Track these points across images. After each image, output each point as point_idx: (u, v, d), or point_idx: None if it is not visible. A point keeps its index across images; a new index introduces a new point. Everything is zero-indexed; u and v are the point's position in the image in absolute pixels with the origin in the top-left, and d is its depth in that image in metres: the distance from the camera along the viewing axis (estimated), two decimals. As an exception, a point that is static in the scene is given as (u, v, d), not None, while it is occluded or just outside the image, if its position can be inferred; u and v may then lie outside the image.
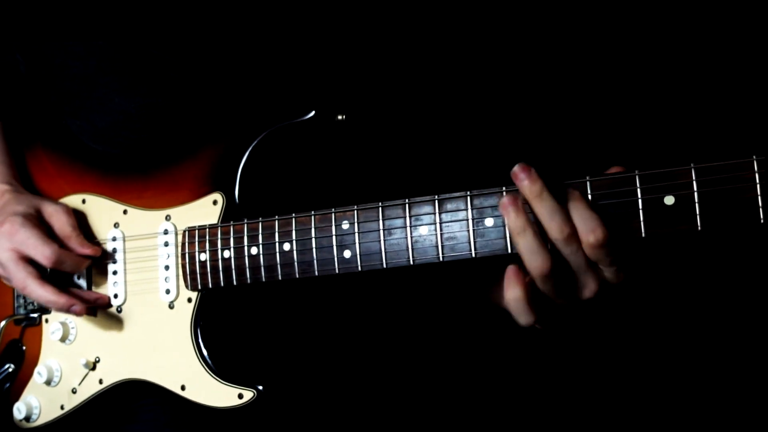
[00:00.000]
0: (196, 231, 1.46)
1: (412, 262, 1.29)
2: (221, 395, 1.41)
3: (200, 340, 1.44)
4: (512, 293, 1.18)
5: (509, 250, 1.22)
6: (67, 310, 1.47)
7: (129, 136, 1.56)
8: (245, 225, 1.41)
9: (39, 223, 1.50)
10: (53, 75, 1.62)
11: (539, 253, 1.15)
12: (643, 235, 1.16)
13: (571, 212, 1.13)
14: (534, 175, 1.14)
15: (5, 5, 1.62)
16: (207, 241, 1.44)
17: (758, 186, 1.09)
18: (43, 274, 1.49)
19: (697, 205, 1.13)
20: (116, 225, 1.55)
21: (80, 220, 1.57)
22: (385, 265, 1.30)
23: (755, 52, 1.40)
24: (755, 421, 1.64)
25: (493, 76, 1.45)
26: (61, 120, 1.65)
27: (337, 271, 1.34)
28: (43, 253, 1.45)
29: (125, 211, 1.54)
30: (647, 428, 1.68)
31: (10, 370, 1.62)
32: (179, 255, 1.47)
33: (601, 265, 1.15)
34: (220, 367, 1.42)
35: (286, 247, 1.37)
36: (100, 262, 1.55)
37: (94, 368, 1.54)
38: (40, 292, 1.46)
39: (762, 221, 1.10)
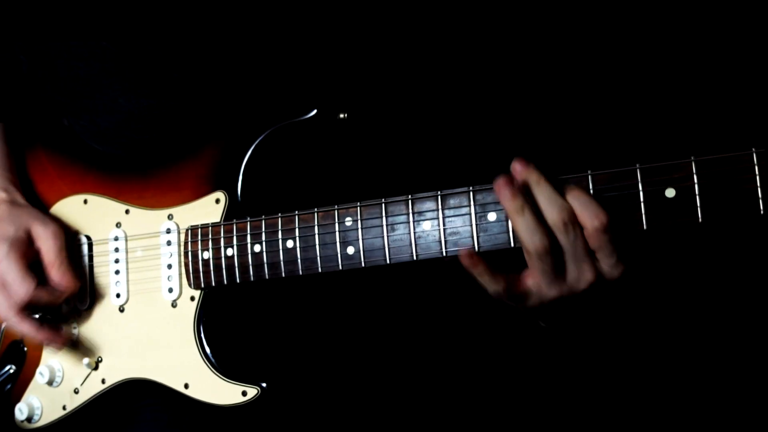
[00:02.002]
0: (199, 229, 1.46)
1: (415, 258, 1.30)
2: (225, 393, 1.41)
3: (203, 338, 1.45)
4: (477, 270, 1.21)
5: (512, 244, 1.23)
6: (47, 344, 1.51)
7: (132, 136, 1.57)
8: (248, 223, 1.42)
9: (26, 250, 1.50)
10: (57, 75, 1.62)
11: (537, 230, 1.16)
12: (645, 227, 1.17)
13: (572, 202, 1.15)
14: (532, 166, 1.17)
15: (7, 6, 1.62)
16: (210, 240, 1.45)
17: (758, 178, 1.11)
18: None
19: (697, 197, 1.14)
20: (118, 225, 1.55)
21: (82, 220, 1.58)
22: (388, 261, 1.31)
23: (754, 47, 1.43)
24: (757, 417, 1.65)
25: (494, 73, 1.46)
26: (62, 120, 1.65)
27: (340, 267, 1.34)
28: (17, 291, 1.47)
29: (127, 211, 1.54)
30: (650, 425, 1.68)
31: (12, 371, 1.61)
32: (182, 253, 1.47)
33: (601, 253, 1.17)
34: (224, 365, 1.43)
35: (290, 244, 1.38)
36: (101, 263, 1.55)
37: (96, 368, 1.54)
38: (19, 327, 1.50)
39: (762, 212, 1.11)
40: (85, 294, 1.56)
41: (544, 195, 1.16)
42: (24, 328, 1.49)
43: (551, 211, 1.15)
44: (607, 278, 1.18)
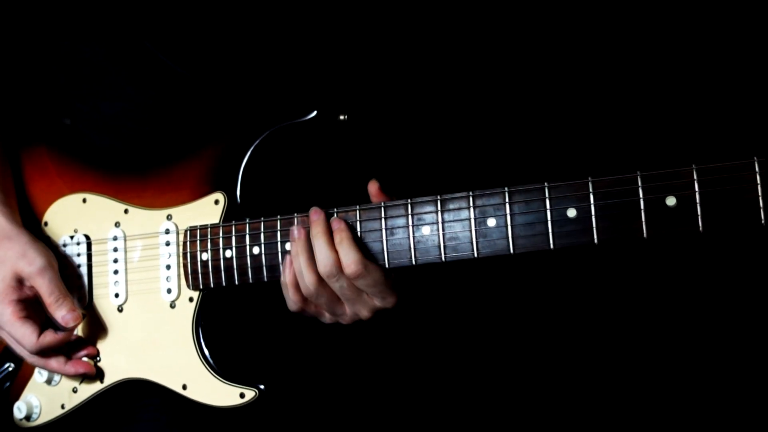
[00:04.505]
0: (198, 230, 1.46)
1: (414, 263, 1.29)
2: (223, 394, 1.41)
3: (201, 340, 1.44)
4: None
5: (512, 251, 1.23)
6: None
7: (133, 126, 1.57)
8: (247, 224, 1.41)
9: (19, 296, 1.47)
10: (62, 55, 1.61)
11: (307, 274, 1.31)
12: (645, 236, 1.16)
13: (337, 246, 1.28)
14: (319, 218, 1.31)
15: (10, 3, 1.62)
16: (209, 241, 1.45)
17: (759, 187, 1.10)
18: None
19: (698, 206, 1.13)
20: (117, 224, 1.55)
21: (80, 219, 1.57)
22: (387, 265, 1.31)
23: (757, 54, 1.41)
24: (755, 422, 1.64)
25: (495, 78, 1.46)
26: (62, 120, 1.65)
27: (339, 270, 1.34)
28: (25, 343, 1.47)
29: (126, 211, 1.54)
30: (647, 428, 1.68)
31: (10, 369, 1.61)
32: (181, 254, 1.47)
33: (368, 294, 1.30)
34: (222, 366, 1.43)
35: (289, 246, 1.38)
36: (100, 262, 1.55)
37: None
38: (46, 368, 1.51)
39: (763, 222, 1.10)
40: (84, 294, 1.56)
41: (318, 245, 1.30)
42: (51, 366, 1.50)
43: (321, 262, 1.29)
44: (384, 308, 1.32)
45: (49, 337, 1.47)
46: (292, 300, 1.36)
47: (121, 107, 1.57)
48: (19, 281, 1.48)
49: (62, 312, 1.47)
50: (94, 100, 1.60)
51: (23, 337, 1.46)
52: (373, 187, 1.32)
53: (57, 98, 1.65)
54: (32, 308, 1.49)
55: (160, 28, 1.51)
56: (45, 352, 1.48)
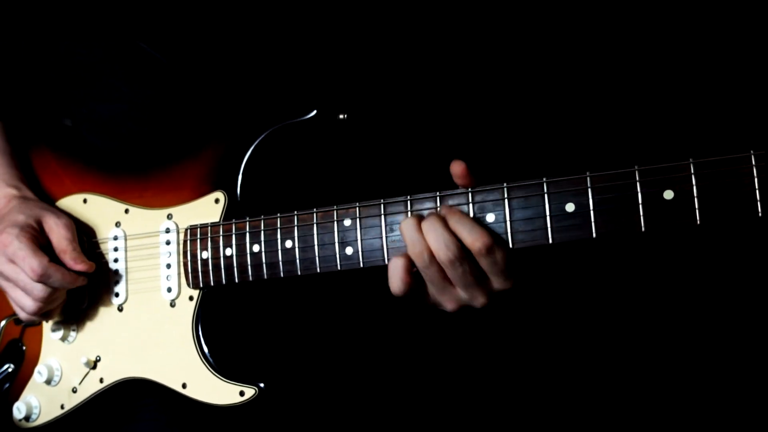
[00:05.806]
0: (198, 229, 1.46)
1: (414, 258, 1.30)
2: (223, 393, 1.41)
3: (202, 338, 1.45)
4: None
5: (511, 246, 1.23)
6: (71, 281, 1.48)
7: (132, 127, 1.57)
8: (247, 223, 1.42)
9: (36, 236, 1.49)
10: (60, 56, 1.62)
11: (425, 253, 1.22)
12: (643, 229, 1.17)
13: (457, 227, 1.20)
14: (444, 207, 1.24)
15: (10, 3, 1.63)
16: (209, 239, 1.45)
17: (756, 180, 1.11)
18: None
19: (696, 199, 1.14)
20: (118, 224, 1.55)
21: (81, 219, 1.58)
22: (387, 262, 1.31)
23: (753, 49, 1.42)
24: (755, 422, 1.64)
25: (494, 74, 1.47)
26: (62, 120, 1.66)
27: (339, 267, 1.34)
28: (30, 265, 1.45)
29: (127, 210, 1.55)
30: (646, 428, 1.68)
31: (10, 370, 1.62)
32: (181, 253, 1.48)
33: (491, 274, 1.22)
34: (222, 364, 1.43)
35: (288, 244, 1.38)
36: (101, 262, 1.56)
37: (94, 367, 1.54)
38: (53, 278, 1.46)
39: (760, 214, 1.11)
40: (84, 293, 1.56)
41: (435, 233, 1.21)
42: (58, 276, 1.47)
43: (439, 249, 1.20)
44: (498, 292, 1.23)
45: (57, 270, 1.46)
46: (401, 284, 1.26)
47: (120, 108, 1.58)
48: (39, 225, 1.50)
49: (74, 257, 1.48)
50: (92, 101, 1.62)
51: (33, 256, 1.44)
52: (458, 168, 1.23)
53: (57, 99, 1.66)
54: None
55: (158, 28, 1.53)
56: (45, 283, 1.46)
